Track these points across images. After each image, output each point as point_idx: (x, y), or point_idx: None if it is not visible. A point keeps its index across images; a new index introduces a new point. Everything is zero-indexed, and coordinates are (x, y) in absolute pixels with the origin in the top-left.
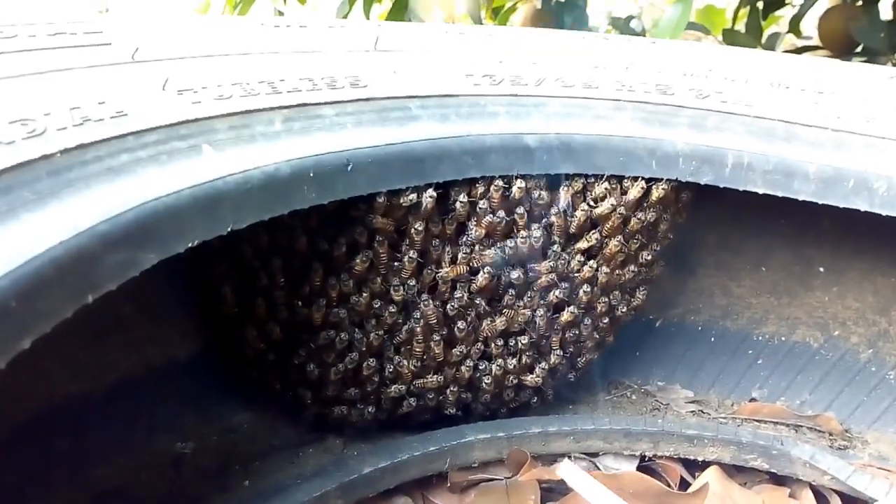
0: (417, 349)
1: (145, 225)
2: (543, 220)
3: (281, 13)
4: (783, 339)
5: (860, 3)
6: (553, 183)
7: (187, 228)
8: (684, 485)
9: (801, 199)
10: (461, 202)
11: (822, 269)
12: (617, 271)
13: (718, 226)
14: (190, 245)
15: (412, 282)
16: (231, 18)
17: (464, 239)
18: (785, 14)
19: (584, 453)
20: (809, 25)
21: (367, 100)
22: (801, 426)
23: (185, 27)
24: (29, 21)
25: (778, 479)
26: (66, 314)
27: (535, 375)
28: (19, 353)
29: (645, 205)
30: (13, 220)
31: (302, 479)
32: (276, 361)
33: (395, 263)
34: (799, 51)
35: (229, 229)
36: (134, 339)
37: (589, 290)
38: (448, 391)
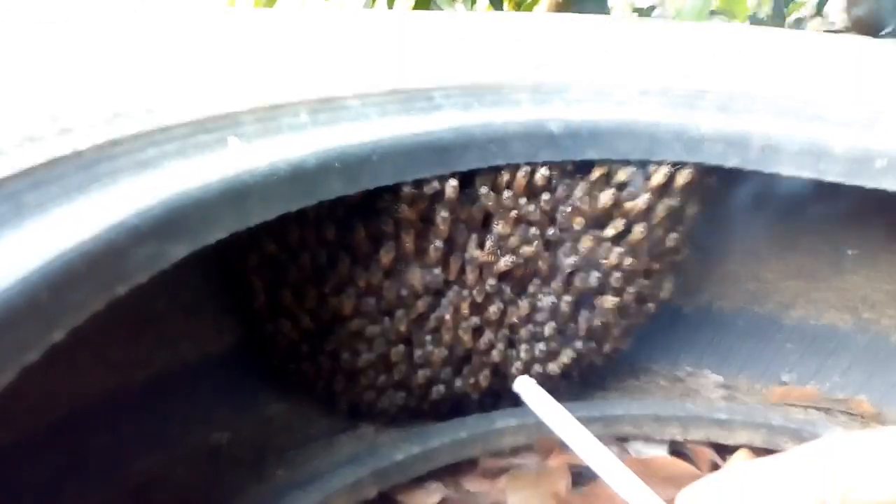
0: (446, 336)
1: (174, 218)
2: (567, 207)
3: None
4: (812, 322)
5: None
6: (577, 169)
7: (216, 220)
8: (715, 468)
9: (828, 180)
10: (486, 189)
11: (851, 252)
12: (642, 258)
13: (744, 210)
14: (219, 237)
15: (437, 269)
16: (257, 12)
17: (491, 226)
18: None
19: (614, 438)
20: (834, 10)
21: (392, 91)
22: (833, 409)
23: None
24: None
25: None
26: (97, 307)
27: (559, 363)
28: (55, 348)
29: (670, 190)
30: (43, 214)
31: (336, 466)
32: (310, 352)
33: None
34: None
35: (257, 221)
36: (169, 334)
37: (618, 276)
38: (479, 376)
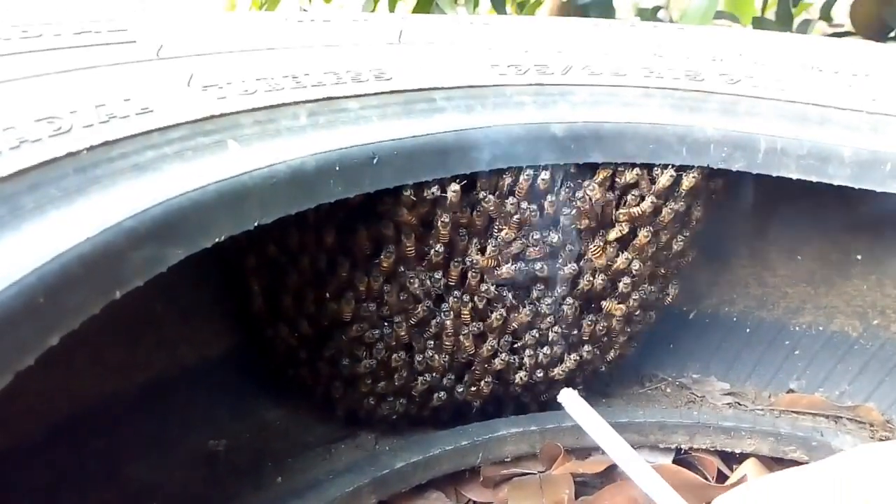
0: (447, 343)
1: (172, 221)
2: (571, 211)
3: (305, 11)
4: (821, 328)
5: None
6: (581, 172)
7: (214, 224)
8: (722, 478)
9: (836, 184)
10: (488, 194)
11: (859, 257)
12: (647, 262)
13: (751, 214)
14: (217, 240)
15: (438, 275)
16: (255, 14)
17: (492, 231)
18: (815, 1)
19: None
20: (841, 13)
21: (392, 92)
22: (841, 417)
23: (210, 23)
24: (54, 20)
25: None
26: (93, 310)
27: (563, 368)
28: (51, 352)
29: (676, 194)
30: (41, 216)
31: (334, 474)
32: (308, 358)
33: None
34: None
35: (256, 224)
36: (167, 338)
37: (623, 281)
38: (481, 384)
